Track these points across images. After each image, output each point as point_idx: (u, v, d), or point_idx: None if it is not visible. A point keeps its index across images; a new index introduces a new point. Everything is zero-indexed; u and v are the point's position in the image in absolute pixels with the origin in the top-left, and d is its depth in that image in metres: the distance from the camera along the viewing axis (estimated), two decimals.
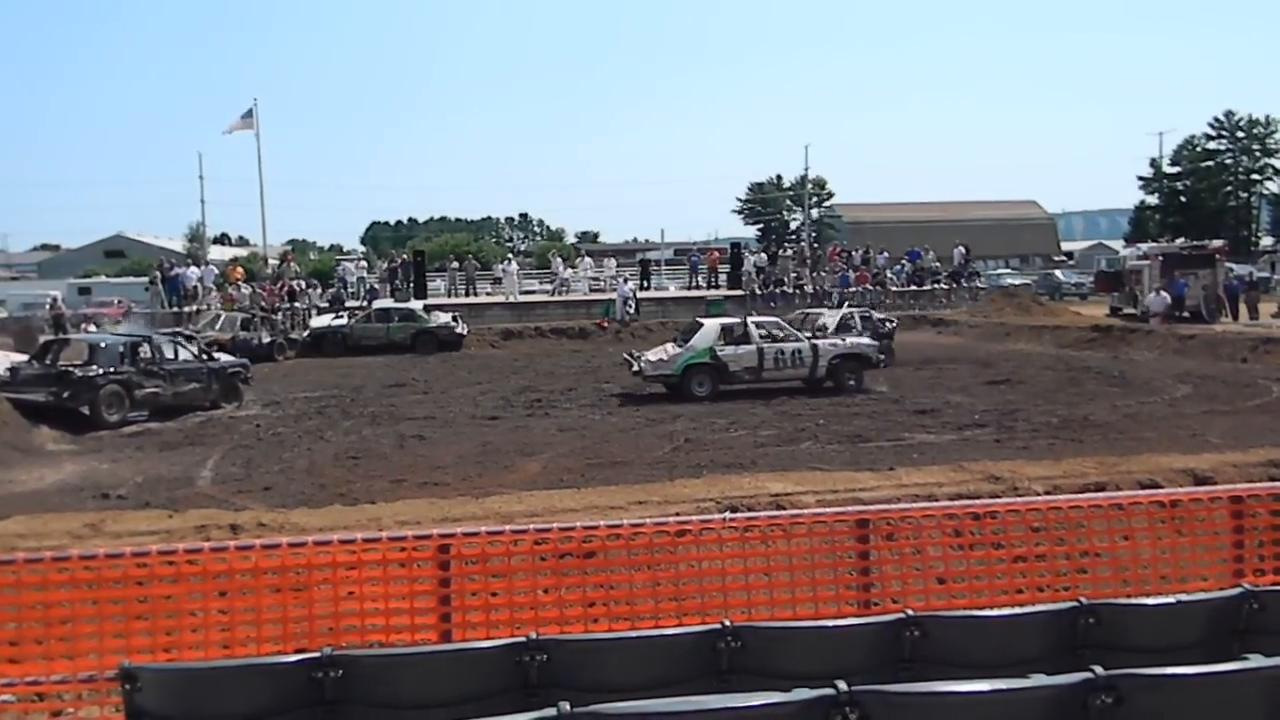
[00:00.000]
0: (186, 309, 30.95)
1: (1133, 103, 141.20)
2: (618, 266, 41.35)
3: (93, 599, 4.65)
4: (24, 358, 17.39)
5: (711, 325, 18.43)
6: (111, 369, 16.18)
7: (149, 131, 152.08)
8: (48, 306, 29.54)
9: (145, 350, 16.97)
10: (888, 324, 22.58)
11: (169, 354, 17.36)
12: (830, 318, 21.23)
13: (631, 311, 32.29)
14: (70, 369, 16.04)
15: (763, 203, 79.22)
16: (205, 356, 18.28)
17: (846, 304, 25.40)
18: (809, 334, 19.55)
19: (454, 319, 28.82)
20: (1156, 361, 22.10)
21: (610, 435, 14.33)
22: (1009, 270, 54.45)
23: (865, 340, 19.06)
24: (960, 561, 5.56)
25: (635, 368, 18.11)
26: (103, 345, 16.83)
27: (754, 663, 3.61)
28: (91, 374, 15.92)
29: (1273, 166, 67.75)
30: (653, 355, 18.43)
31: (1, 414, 14.97)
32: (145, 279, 36.26)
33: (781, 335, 18.24)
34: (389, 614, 4.89)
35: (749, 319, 18.81)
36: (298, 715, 3.39)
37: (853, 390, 17.68)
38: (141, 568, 4.73)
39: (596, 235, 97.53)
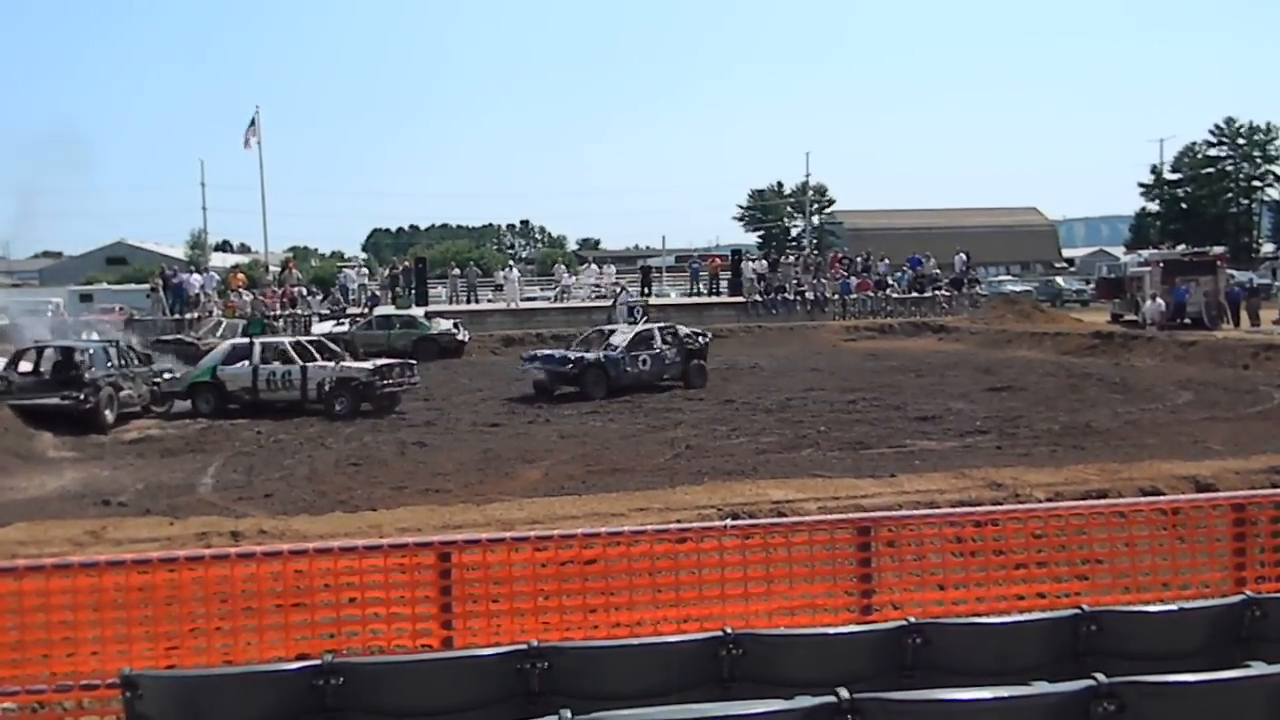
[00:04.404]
0: (188, 316, 31.00)
1: (1134, 109, 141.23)
2: (617, 273, 41.42)
3: (94, 605, 4.65)
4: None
5: (222, 346, 19.63)
6: (106, 372, 16.68)
7: (151, 139, 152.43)
8: (49, 313, 29.62)
9: (118, 354, 17.74)
10: (700, 339, 21.25)
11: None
12: (622, 334, 20.55)
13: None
14: (77, 373, 16.29)
15: (764, 209, 79.24)
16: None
17: (644, 319, 24.17)
18: (602, 350, 19.70)
19: (455, 326, 28.84)
20: (1158, 368, 22.08)
21: (611, 442, 14.32)
22: (1010, 277, 54.52)
23: (359, 365, 18.12)
24: (961, 568, 5.56)
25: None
26: (91, 351, 17.31)
27: (755, 670, 3.61)
28: (96, 377, 16.26)
29: (1273, 173, 67.78)
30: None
31: (3, 420, 15.01)
32: (147, 286, 36.29)
33: (287, 357, 18.00)
34: (390, 621, 4.89)
35: (256, 340, 18.94)
36: None
37: (340, 416, 16.88)
38: (143, 575, 4.73)
39: (598, 242, 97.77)
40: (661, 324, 21.73)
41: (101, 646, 4.58)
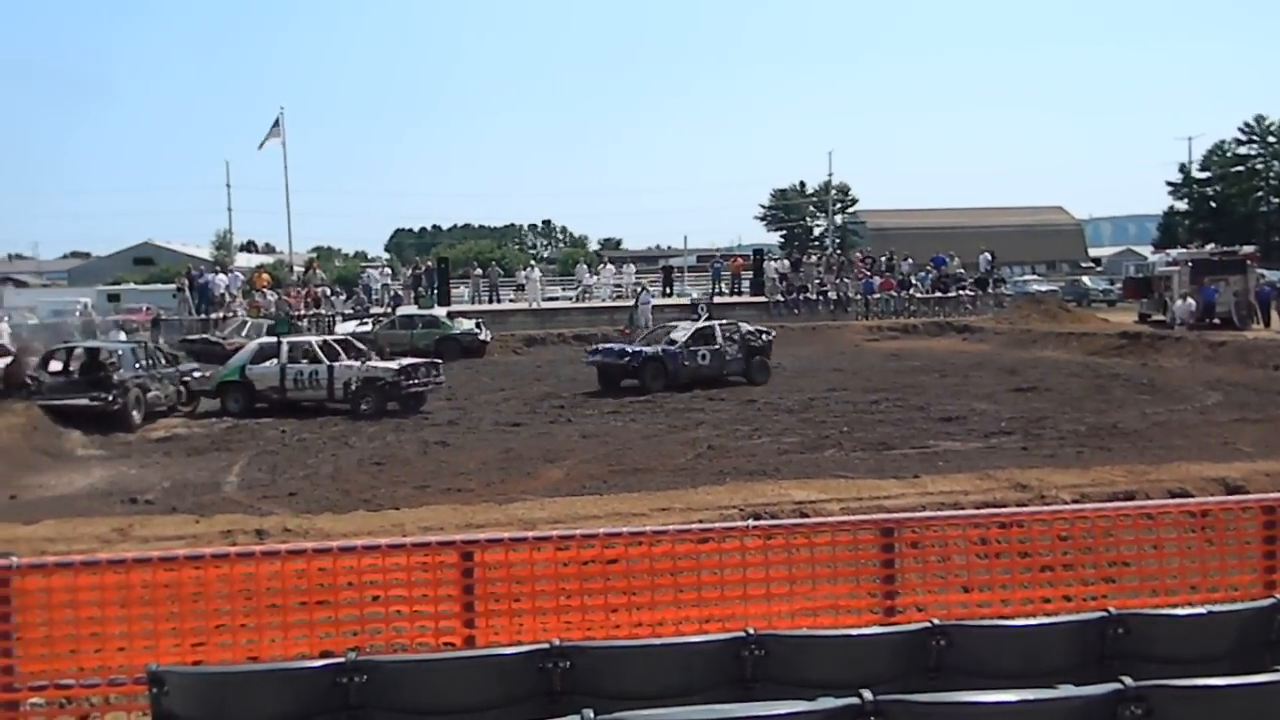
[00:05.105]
0: (214, 316, 31.28)
1: (1161, 107, 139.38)
2: (637, 273, 41.42)
3: (121, 602, 4.70)
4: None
5: (251, 345, 19.78)
6: (134, 373, 16.86)
7: (177, 140, 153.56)
8: (78, 313, 30.01)
9: (145, 354, 18.06)
10: (763, 337, 21.77)
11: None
12: (683, 330, 21.11)
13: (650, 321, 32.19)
14: (105, 374, 16.49)
15: (786, 209, 78.88)
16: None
17: (706, 316, 24.21)
18: (661, 345, 20.35)
19: (477, 325, 28.91)
20: (1186, 369, 21.83)
21: (633, 442, 14.32)
22: (1035, 276, 54.02)
23: (385, 365, 18.18)
24: (986, 570, 5.51)
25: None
26: (120, 352, 17.48)
27: (777, 671, 3.60)
28: (125, 378, 16.45)
29: None
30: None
31: (32, 419, 15.23)
32: (173, 286, 36.66)
33: (313, 356, 18.19)
34: (413, 619, 4.91)
35: (284, 340, 18.90)
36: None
37: (365, 415, 17.06)
38: (169, 572, 4.78)
39: (619, 242, 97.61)
40: (723, 321, 22.21)
41: (129, 642, 4.63)
